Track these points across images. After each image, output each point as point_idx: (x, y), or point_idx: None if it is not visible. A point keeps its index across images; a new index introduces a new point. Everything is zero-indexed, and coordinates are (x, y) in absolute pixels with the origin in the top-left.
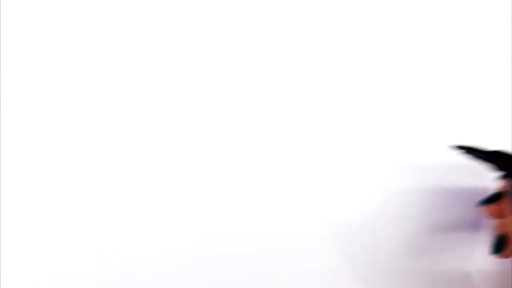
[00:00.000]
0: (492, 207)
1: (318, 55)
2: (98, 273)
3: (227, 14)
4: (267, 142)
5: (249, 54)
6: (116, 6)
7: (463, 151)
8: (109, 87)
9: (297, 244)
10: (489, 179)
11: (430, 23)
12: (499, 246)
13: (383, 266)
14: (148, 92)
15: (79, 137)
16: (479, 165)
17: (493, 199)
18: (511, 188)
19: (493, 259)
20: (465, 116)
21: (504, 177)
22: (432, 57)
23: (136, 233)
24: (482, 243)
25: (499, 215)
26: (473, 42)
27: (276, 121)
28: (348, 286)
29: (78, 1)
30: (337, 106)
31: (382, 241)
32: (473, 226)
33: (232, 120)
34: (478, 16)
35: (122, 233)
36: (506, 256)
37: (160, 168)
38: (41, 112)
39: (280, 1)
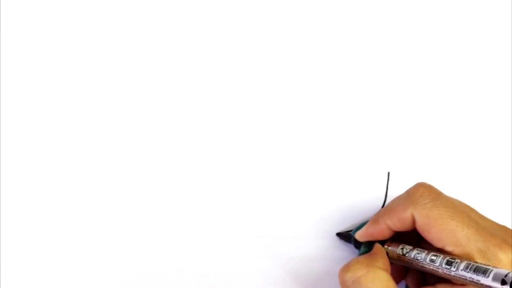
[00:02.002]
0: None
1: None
2: (98, 273)
3: (227, 14)
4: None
5: (247, 55)
6: (116, 6)
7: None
8: (109, 87)
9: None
10: None
11: (428, 25)
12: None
13: None
14: (148, 93)
15: (80, 137)
16: None
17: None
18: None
19: None
20: (463, 120)
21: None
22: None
23: (136, 233)
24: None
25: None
26: (472, 45)
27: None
28: None
29: (78, 1)
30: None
31: None
32: None
33: (226, 126)
34: (478, 16)
35: (122, 233)
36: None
37: (159, 168)
38: (41, 112)
39: (280, 1)
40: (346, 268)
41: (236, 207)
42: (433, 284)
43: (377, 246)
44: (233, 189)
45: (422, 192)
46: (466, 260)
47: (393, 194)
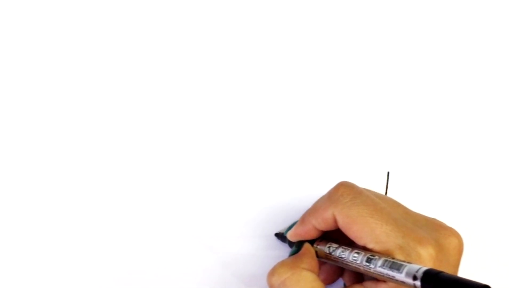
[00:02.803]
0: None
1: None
2: (98, 274)
3: (226, 14)
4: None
5: (246, 55)
6: (116, 6)
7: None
8: (108, 87)
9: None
10: None
11: (428, 25)
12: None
13: None
14: (145, 93)
15: (79, 137)
16: None
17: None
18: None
19: None
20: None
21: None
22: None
23: (136, 234)
24: None
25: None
26: (472, 45)
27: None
28: None
29: (78, 1)
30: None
31: None
32: None
33: (222, 127)
34: (478, 16)
35: (122, 233)
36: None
37: (158, 168)
38: (41, 112)
39: (280, 1)
40: (272, 272)
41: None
42: (368, 280)
43: (306, 246)
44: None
45: (342, 191)
46: (384, 256)
47: (393, 194)
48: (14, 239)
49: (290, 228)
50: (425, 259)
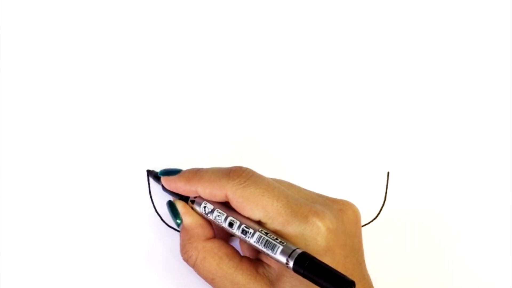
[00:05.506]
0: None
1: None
2: (98, 273)
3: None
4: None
5: (248, 55)
6: (116, 6)
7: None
8: (103, 88)
9: None
10: None
11: (428, 25)
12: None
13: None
14: (152, 92)
15: (78, 137)
16: None
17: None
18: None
19: None
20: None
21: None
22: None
23: (138, 235)
24: None
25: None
26: (472, 45)
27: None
28: None
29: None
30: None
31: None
32: None
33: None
34: (478, 16)
35: (122, 233)
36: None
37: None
38: (40, 112)
39: (280, 1)
40: (182, 255)
41: None
42: None
43: (187, 217)
44: None
45: (239, 173)
46: (259, 232)
47: (393, 194)
48: (14, 239)
49: (168, 172)
50: (317, 231)
